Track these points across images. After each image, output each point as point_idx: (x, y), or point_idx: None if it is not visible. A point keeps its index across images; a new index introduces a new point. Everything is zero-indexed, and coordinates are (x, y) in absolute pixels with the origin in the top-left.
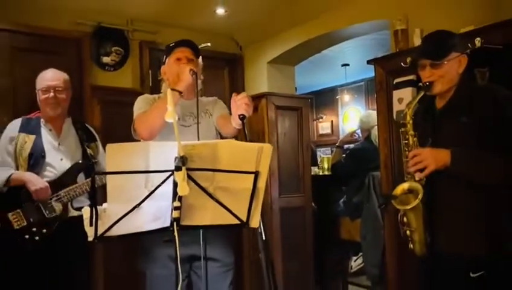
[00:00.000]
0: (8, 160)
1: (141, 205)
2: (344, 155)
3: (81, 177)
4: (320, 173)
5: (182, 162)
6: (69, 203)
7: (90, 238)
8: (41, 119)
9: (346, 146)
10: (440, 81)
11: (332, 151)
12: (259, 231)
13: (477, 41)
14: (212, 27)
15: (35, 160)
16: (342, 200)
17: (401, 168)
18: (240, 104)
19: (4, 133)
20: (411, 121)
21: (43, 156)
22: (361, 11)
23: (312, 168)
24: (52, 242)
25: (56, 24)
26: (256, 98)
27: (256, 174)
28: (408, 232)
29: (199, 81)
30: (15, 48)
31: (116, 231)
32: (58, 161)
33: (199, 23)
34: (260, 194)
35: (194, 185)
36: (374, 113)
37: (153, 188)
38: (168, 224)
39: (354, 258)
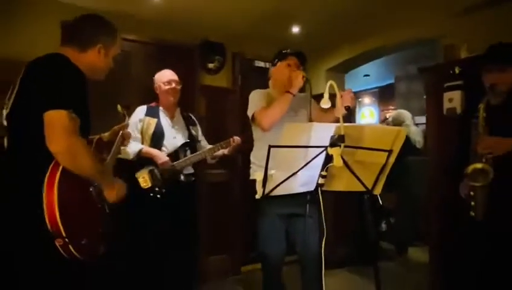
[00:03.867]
0: (138, 136)
1: (297, 173)
2: None
3: (187, 152)
4: None
5: (342, 139)
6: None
7: (258, 196)
8: (160, 107)
9: None
10: (505, 83)
11: None
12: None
13: None
14: (285, 41)
15: (157, 137)
16: None
17: (445, 153)
18: (347, 98)
19: (134, 115)
20: (484, 114)
21: (162, 135)
22: (412, 29)
23: None
24: (168, 198)
25: (174, 37)
26: (317, 96)
27: (390, 152)
28: (473, 203)
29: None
30: (146, 55)
31: (276, 191)
32: (172, 139)
33: (276, 38)
34: (388, 168)
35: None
36: (404, 112)
37: (309, 160)
38: (312, 189)
39: (384, 221)
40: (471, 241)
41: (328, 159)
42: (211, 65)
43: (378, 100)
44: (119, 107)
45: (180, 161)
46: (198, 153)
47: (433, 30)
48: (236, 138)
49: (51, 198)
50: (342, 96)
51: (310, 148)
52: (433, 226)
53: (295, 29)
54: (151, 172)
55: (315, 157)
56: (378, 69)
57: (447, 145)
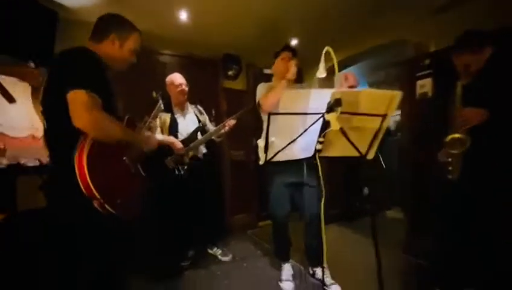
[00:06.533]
0: (158, 129)
1: (296, 140)
2: None
3: (199, 135)
4: None
5: (338, 103)
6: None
7: (261, 162)
8: (173, 104)
9: None
10: (476, 64)
11: None
12: (380, 160)
13: None
14: None
15: (173, 128)
16: None
17: (414, 129)
18: (351, 78)
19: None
20: (461, 92)
21: (177, 125)
22: (387, 34)
23: None
24: (190, 174)
25: (203, 53)
26: None
27: (384, 116)
28: (450, 167)
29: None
30: (181, 66)
31: (277, 157)
32: (185, 127)
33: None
34: (381, 133)
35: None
36: None
37: (308, 126)
38: (311, 154)
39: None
40: (444, 199)
41: (325, 125)
42: (230, 73)
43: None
44: (154, 93)
45: (192, 143)
46: (206, 134)
47: (403, 33)
48: (229, 122)
49: (81, 166)
50: (346, 78)
51: (308, 115)
52: (406, 187)
53: (294, 42)
54: (172, 158)
55: (313, 123)
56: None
57: (417, 123)
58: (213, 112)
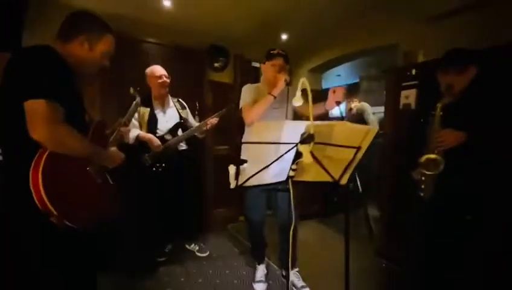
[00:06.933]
0: (136, 124)
1: (269, 166)
2: None
3: (179, 132)
4: None
5: (311, 137)
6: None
7: (232, 186)
8: (153, 97)
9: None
10: (459, 84)
11: None
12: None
13: None
14: (276, 46)
15: (151, 123)
16: None
17: (398, 137)
18: (339, 94)
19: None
20: (441, 113)
21: (156, 120)
22: (377, 37)
23: None
24: (168, 171)
25: (188, 42)
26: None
27: (358, 149)
28: (423, 186)
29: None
30: (164, 56)
31: (249, 183)
32: (164, 123)
33: (269, 43)
34: (355, 162)
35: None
36: (366, 104)
37: (280, 155)
38: (284, 179)
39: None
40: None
41: (299, 153)
42: (216, 64)
43: (346, 94)
44: (131, 90)
45: (173, 139)
46: (186, 132)
47: (394, 38)
48: (211, 120)
49: (36, 181)
50: (334, 92)
51: (281, 145)
52: (383, 190)
53: (284, 36)
54: (149, 155)
55: (285, 153)
56: (347, 70)
57: (400, 131)
58: (197, 105)
